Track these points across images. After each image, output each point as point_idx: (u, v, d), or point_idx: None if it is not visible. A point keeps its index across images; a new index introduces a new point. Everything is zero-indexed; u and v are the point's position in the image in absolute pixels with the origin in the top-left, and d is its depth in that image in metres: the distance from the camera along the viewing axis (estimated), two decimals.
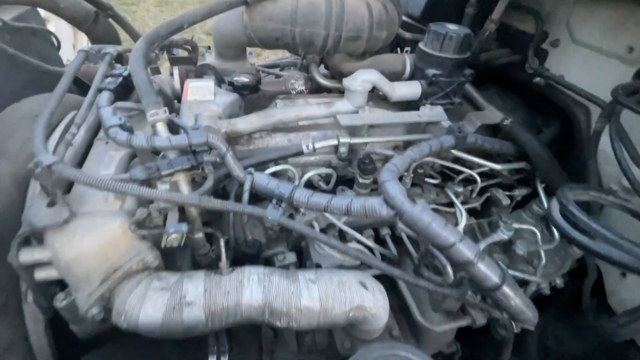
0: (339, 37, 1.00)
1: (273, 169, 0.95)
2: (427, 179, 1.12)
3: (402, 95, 1.04)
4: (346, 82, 0.98)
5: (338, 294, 0.73)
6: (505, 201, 1.09)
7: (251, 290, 0.70)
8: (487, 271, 0.65)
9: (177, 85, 1.24)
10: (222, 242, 0.76)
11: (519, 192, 1.14)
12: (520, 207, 1.16)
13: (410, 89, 1.04)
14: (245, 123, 0.93)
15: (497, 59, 1.24)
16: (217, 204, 0.71)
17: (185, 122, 0.91)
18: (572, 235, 0.63)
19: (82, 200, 0.70)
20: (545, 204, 1.08)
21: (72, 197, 0.71)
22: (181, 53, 1.42)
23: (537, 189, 1.11)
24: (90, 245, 0.65)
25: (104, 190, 0.61)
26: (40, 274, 0.67)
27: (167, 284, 0.69)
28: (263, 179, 0.79)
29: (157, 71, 1.38)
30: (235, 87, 1.06)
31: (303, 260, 1.00)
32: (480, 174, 1.09)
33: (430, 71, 1.03)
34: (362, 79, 0.97)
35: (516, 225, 1.04)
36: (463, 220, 0.95)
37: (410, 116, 0.99)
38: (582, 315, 1.05)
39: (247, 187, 0.79)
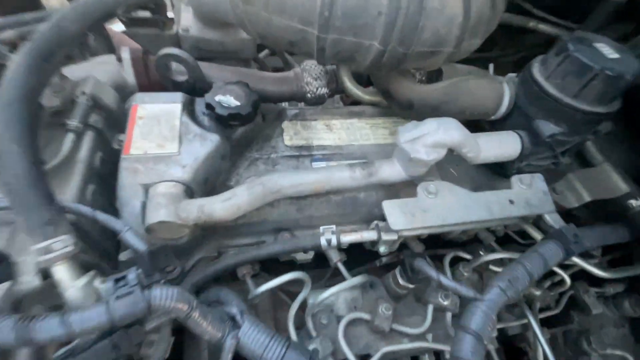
0: (404, 54, 0.55)
1: (280, 279, 0.60)
2: (491, 265, 0.78)
3: (490, 159, 0.63)
4: (404, 141, 0.57)
5: None
6: (596, 310, 0.78)
7: None
8: None
9: (130, 78, 0.79)
10: None
11: (613, 290, 0.83)
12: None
13: (504, 151, 0.63)
14: (230, 209, 0.55)
15: None
16: None
17: (126, 201, 0.54)
18: None
19: None
20: None
21: None
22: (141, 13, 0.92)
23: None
24: None
25: None
26: None
27: None
28: (254, 344, 0.47)
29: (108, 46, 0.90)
30: (218, 117, 0.64)
31: None
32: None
33: (546, 127, 0.61)
34: (434, 141, 0.56)
35: (608, 352, 0.75)
36: None
37: (499, 206, 0.60)
38: None
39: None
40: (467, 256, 0.79)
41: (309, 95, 0.87)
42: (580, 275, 0.83)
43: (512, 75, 0.66)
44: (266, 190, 0.57)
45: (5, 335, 0.34)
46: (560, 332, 0.80)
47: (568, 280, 0.73)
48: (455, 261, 0.79)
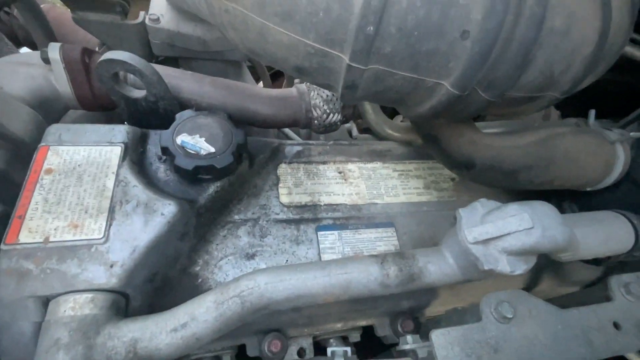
0: (488, 103, 0.33)
1: None
2: None
3: (590, 255, 0.42)
4: (475, 247, 0.35)
5: None
6: None
7: None
8: None
9: (63, 89, 0.55)
10: None
11: None
12: None
13: (610, 249, 0.42)
14: (182, 343, 0.33)
15: None
16: None
17: (3, 346, 0.32)
18: None
19: None
20: None
21: None
22: None
23: None
24: None
25: None
26: None
27: None
28: None
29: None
30: (181, 172, 0.41)
31: None
32: None
33: None
34: (526, 247, 0.34)
35: None
36: None
37: (604, 341, 0.39)
38: None
39: None
40: None
41: (316, 122, 0.64)
42: None
43: (633, 135, 0.44)
44: (246, 308, 0.35)
45: None
46: None
47: None
48: None
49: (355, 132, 0.89)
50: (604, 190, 0.46)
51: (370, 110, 0.59)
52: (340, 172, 0.56)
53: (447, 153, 0.47)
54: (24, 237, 0.33)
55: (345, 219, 0.52)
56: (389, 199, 0.55)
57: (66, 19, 0.86)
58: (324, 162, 0.57)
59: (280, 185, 0.53)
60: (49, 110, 0.55)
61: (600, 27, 0.31)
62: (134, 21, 0.72)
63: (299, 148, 0.58)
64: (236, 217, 0.48)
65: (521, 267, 0.35)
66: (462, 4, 0.27)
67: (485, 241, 0.35)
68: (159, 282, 0.40)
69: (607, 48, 0.33)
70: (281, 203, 0.51)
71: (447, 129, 0.46)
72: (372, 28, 0.27)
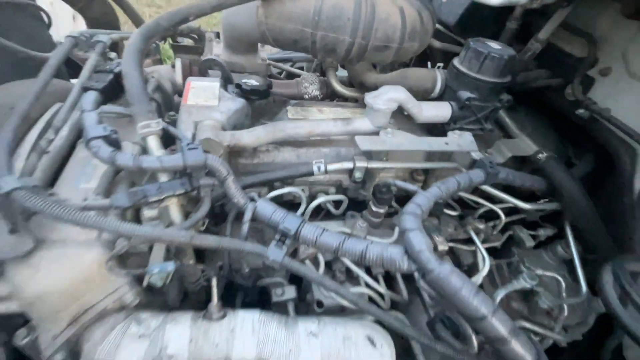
0: (366, 46, 0.88)
1: (279, 191, 0.85)
2: (445, 210, 1.01)
3: (429, 117, 0.92)
4: (369, 99, 0.87)
5: (342, 352, 0.64)
6: (529, 242, 0.99)
7: (243, 343, 0.61)
8: (522, 351, 0.56)
9: (178, 79, 1.12)
10: (214, 282, 0.66)
11: (544, 233, 1.04)
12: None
13: (439, 112, 0.93)
14: (252, 137, 0.82)
15: (534, 80, 1.12)
16: (211, 241, 0.60)
17: (182, 131, 0.81)
18: (628, 326, 0.53)
19: (53, 223, 0.59)
20: (573, 249, 0.98)
21: (41, 219, 0.60)
22: (186, 42, 1.29)
23: (565, 230, 1.01)
24: (58, 282, 0.55)
25: (74, 224, 0.50)
26: None
27: (147, 330, 0.59)
28: (267, 209, 0.69)
29: (159, 62, 1.25)
30: (243, 91, 0.94)
31: (302, 291, 0.91)
32: (502, 208, 0.99)
33: (464, 94, 0.91)
34: (388, 97, 0.86)
35: (540, 272, 0.95)
36: (485, 267, 0.85)
37: (437, 144, 0.88)
38: None
39: (247, 217, 0.69)
40: None
41: (306, 96, 1.19)
42: (517, 222, 1.06)
43: (440, 65, 1.00)
44: (276, 129, 0.85)
45: (126, 160, 0.59)
46: (505, 263, 0.99)
47: (502, 215, 0.96)
48: None
49: None
50: (440, 98, 0.98)
51: (335, 82, 1.14)
52: (319, 110, 1.09)
53: (365, 85, 1.00)
54: (189, 102, 0.85)
55: None
56: None
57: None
58: (310, 107, 1.10)
59: (288, 112, 1.04)
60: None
61: (401, 21, 0.87)
62: (204, 58, 1.33)
63: (297, 102, 1.11)
64: (267, 122, 0.99)
65: (388, 106, 0.85)
66: (345, 10, 0.84)
67: (374, 98, 0.86)
68: None
69: (411, 31, 0.89)
70: (288, 117, 1.02)
71: (364, 73, 1.00)
72: (317, 18, 0.84)
